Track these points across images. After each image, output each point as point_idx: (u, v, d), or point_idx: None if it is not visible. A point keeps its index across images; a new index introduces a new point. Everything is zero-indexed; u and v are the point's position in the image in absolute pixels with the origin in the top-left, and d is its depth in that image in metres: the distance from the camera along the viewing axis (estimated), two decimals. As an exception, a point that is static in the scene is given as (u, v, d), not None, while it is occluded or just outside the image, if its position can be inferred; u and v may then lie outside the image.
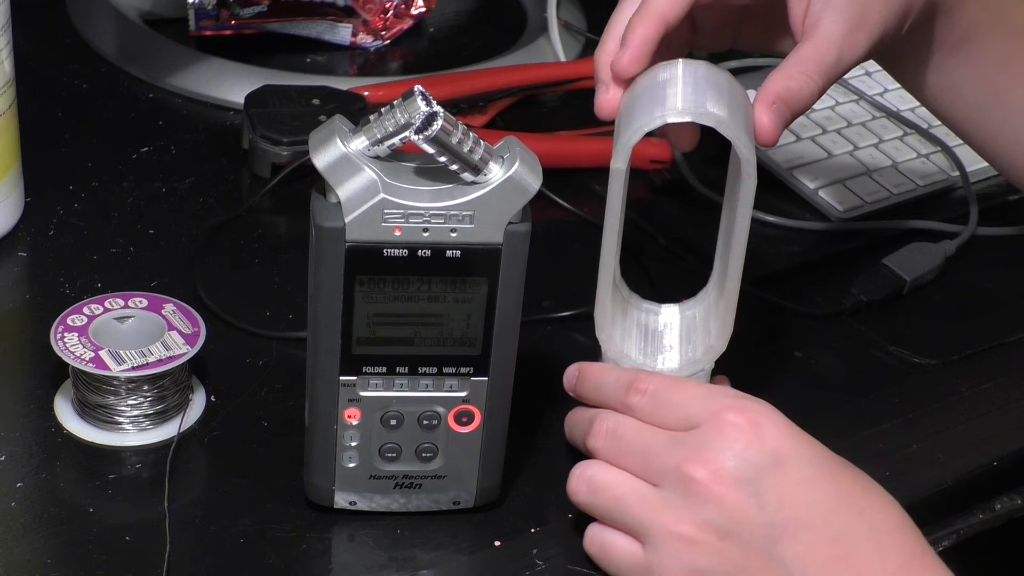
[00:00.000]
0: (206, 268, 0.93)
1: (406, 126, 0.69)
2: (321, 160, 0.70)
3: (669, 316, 0.83)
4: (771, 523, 0.70)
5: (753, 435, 0.71)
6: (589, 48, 1.21)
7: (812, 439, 0.73)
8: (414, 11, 1.20)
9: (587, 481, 0.75)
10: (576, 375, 0.79)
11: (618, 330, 0.81)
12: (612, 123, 0.78)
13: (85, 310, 0.83)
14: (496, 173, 0.71)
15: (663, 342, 0.82)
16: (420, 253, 0.71)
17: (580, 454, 0.78)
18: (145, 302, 0.84)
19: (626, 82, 0.77)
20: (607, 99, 0.78)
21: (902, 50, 0.83)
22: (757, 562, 0.70)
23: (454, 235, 0.71)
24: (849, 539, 0.70)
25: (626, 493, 0.73)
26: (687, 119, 0.73)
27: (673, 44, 0.78)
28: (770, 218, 1.03)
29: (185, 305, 0.84)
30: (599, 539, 0.75)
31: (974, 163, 1.08)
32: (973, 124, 0.88)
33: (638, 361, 0.81)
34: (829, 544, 0.70)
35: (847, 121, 1.12)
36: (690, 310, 0.83)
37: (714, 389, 0.75)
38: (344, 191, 0.70)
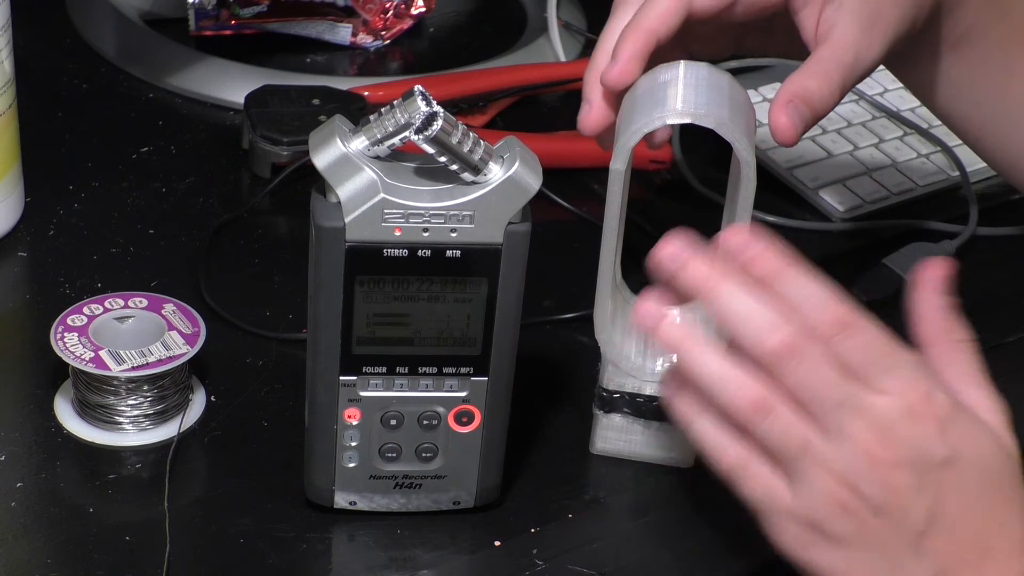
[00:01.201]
0: (206, 268, 0.93)
1: (406, 126, 0.69)
2: (321, 160, 0.70)
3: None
4: (923, 516, 0.68)
5: (939, 430, 0.68)
6: (589, 48, 1.20)
7: (996, 440, 0.70)
8: (414, 11, 1.20)
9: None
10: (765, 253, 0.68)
11: (618, 331, 0.81)
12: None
13: (85, 310, 0.83)
14: (496, 173, 0.71)
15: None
16: (420, 253, 0.71)
17: (585, 457, 0.78)
18: (145, 302, 0.84)
19: (615, 96, 0.77)
20: (589, 117, 0.77)
21: (904, 47, 0.83)
22: (901, 549, 0.69)
23: (454, 235, 0.71)
24: (983, 547, 0.69)
25: (790, 421, 0.67)
26: (687, 120, 0.73)
27: (667, 55, 0.78)
28: (770, 218, 1.03)
29: (185, 305, 0.84)
30: (738, 455, 0.69)
31: (974, 163, 1.08)
32: (972, 123, 0.88)
33: (637, 363, 0.81)
34: (966, 548, 0.69)
35: (847, 121, 1.12)
36: (691, 311, 0.83)
37: (922, 367, 0.69)
38: (344, 191, 0.70)
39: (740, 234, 0.68)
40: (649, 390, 0.81)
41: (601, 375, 0.82)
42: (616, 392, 0.82)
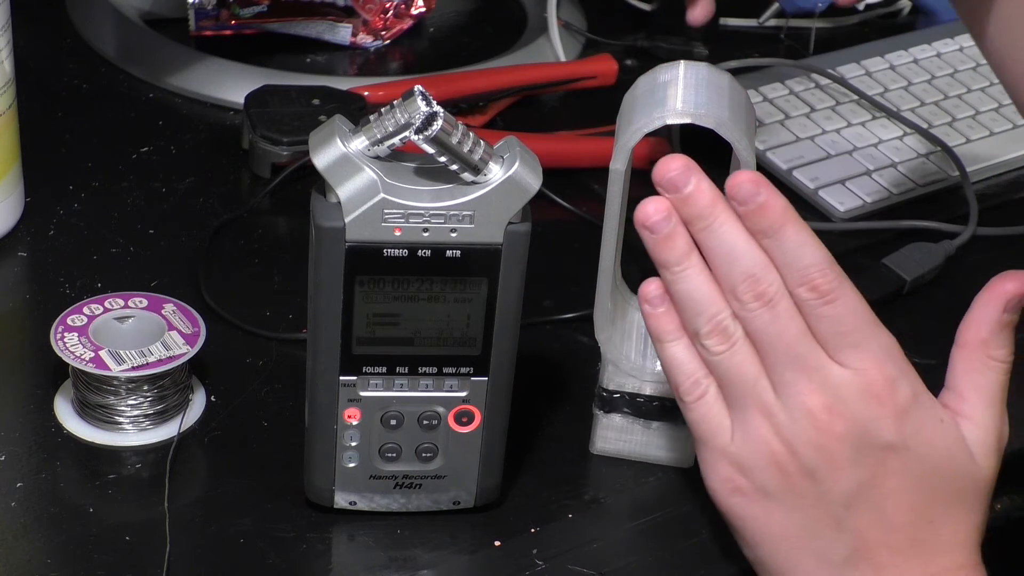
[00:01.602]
0: (206, 268, 0.93)
1: (406, 126, 0.69)
2: (321, 160, 0.70)
3: None
4: (853, 491, 0.69)
5: (893, 416, 0.69)
6: (589, 48, 1.21)
7: (959, 450, 0.70)
8: (414, 11, 1.20)
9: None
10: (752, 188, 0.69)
11: (618, 331, 0.81)
12: (613, 123, 0.78)
13: (85, 310, 0.83)
14: (496, 173, 0.71)
15: None
16: (420, 253, 0.71)
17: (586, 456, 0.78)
18: (145, 302, 0.84)
19: None
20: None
21: None
22: (823, 517, 0.69)
23: (454, 235, 0.71)
24: (908, 538, 0.70)
25: (747, 358, 0.69)
26: (687, 121, 0.73)
27: None
28: (770, 218, 1.03)
29: (185, 305, 0.84)
30: (696, 381, 0.70)
31: (974, 163, 1.08)
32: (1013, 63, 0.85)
33: (637, 363, 0.81)
34: (891, 534, 0.70)
35: (847, 121, 1.12)
36: None
37: (894, 349, 0.70)
38: (344, 191, 0.70)
39: (748, 180, 0.68)
40: (649, 390, 0.81)
41: (601, 375, 0.82)
42: (616, 392, 0.82)
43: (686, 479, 0.83)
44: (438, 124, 0.68)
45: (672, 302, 0.71)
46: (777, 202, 0.68)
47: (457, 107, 1.08)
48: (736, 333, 0.69)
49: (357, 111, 1.03)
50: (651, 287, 0.71)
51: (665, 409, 0.82)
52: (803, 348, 0.68)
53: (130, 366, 0.79)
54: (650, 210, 0.69)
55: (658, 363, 0.81)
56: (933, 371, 0.92)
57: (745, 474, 0.70)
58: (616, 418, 0.82)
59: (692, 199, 0.69)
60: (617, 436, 0.83)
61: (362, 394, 0.75)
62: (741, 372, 0.69)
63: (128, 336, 0.82)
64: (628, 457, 0.83)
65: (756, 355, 0.69)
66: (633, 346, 0.82)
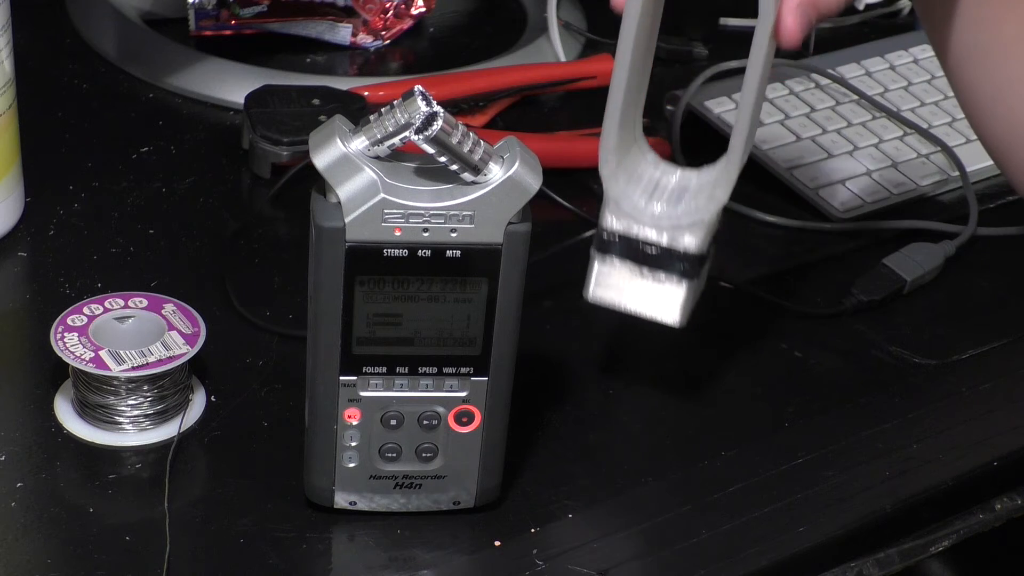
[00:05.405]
0: (206, 268, 0.93)
1: (406, 126, 0.69)
2: (321, 160, 0.70)
3: (682, 177, 0.81)
4: None
5: None
6: (589, 48, 1.21)
7: None
8: (414, 11, 1.20)
9: None
10: None
11: (624, 172, 0.79)
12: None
13: (85, 310, 0.83)
14: (496, 173, 0.71)
15: (668, 192, 0.81)
16: (420, 253, 0.71)
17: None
18: (145, 302, 0.84)
19: None
20: None
21: None
22: None
23: (454, 235, 0.71)
24: None
25: None
26: None
27: None
28: (770, 218, 1.03)
29: (185, 305, 0.84)
30: None
31: (974, 163, 1.08)
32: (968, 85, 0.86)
33: (640, 205, 0.79)
34: None
35: (847, 121, 1.12)
36: (704, 175, 0.81)
37: None
38: (344, 191, 0.70)
39: None
40: (649, 235, 0.80)
41: (602, 215, 0.80)
42: (615, 234, 0.80)
43: (686, 479, 0.83)
44: (438, 124, 0.68)
45: None
46: None
47: (457, 107, 1.08)
48: None
49: (357, 111, 1.03)
50: None
51: (663, 257, 0.80)
52: None
53: (130, 366, 0.79)
54: None
55: (659, 205, 0.79)
56: (933, 371, 0.93)
57: None
58: (613, 262, 0.80)
59: None
60: (611, 283, 0.81)
61: (362, 394, 0.75)
62: None
63: (128, 336, 0.82)
64: (620, 308, 0.81)
65: None
66: (637, 189, 0.80)
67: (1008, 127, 0.86)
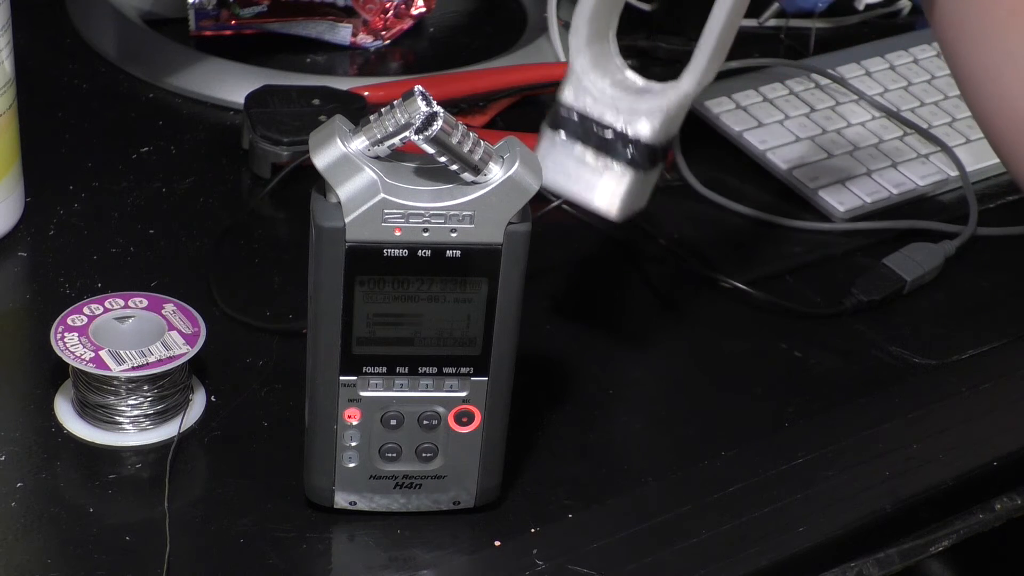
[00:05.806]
0: (206, 268, 0.93)
1: (406, 126, 0.69)
2: (321, 160, 0.70)
3: (648, 83, 0.81)
4: None
5: None
6: (589, 48, 1.20)
7: None
8: (414, 11, 1.20)
9: None
10: None
11: (592, 55, 0.78)
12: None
13: (85, 310, 0.83)
14: (496, 173, 0.71)
15: (632, 89, 0.80)
16: (420, 253, 0.71)
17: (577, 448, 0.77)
18: (145, 302, 0.84)
19: None
20: None
21: None
22: None
23: (454, 235, 0.71)
24: None
25: None
26: None
27: None
28: (770, 218, 1.03)
29: (185, 305, 0.84)
30: None
31: (974, 163, 1.08)
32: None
33: (601, 86, 0.78)
34: None
35: (847, 121, 1.12)
36: (672, 82, 0.81)
37: None
38: (344, 191, 0.70)
39: None
40: (604, 115, 0.79)
41: (560, 89, 0.79)
42: (572, 110, 0.79)
43: (686, 479, 0.83)
44: (438, 124, 0.68)
45: None
46: None
47: (457, 107, 1.08)
48: None
49: (357, 111, 1.03)
50: None
51: (614, 142, 0.78)
52: None
53: (130, 366, 0.79)
54: None
55: (620, 92, 0.78)
56: (933, 371, 0.93)
57: None
58: (563, 141, 0.80)
59: None
60: (557, 165, 0.80)
61: (362, 394, 0.75)
62: None
63: (128, 336, 0.82)
64: (562, 194, 0.81)
65: None
66: (603, 76, 0.79)
67: (1002, 104, 0.86)
